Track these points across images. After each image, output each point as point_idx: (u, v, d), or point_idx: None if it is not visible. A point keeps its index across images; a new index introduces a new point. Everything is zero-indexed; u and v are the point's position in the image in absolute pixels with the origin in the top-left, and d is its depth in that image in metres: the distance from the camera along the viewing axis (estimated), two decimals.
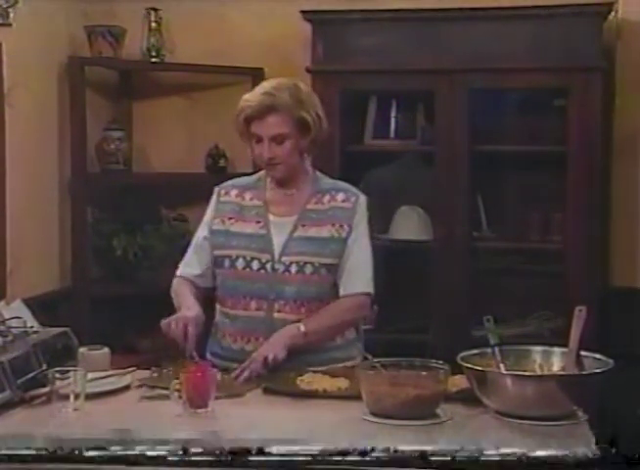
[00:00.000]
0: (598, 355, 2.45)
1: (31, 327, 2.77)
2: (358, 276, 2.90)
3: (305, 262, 2.85)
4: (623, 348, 3.78)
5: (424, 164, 4.42)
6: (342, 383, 2.62)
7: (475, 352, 2.52)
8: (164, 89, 4.73)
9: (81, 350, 2.79)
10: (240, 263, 2.88)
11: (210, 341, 2.99)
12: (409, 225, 4.38)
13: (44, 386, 2.49)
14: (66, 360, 2.67)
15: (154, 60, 4.51)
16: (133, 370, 2.77)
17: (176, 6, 4.56)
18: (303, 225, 2.89)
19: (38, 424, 2.36)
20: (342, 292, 2.90)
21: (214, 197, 3.01)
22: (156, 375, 2.73)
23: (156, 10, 4.51)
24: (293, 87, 2.86)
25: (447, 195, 4.20)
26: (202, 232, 2.99)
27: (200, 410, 2.41)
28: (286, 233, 2.88)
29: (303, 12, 4.21)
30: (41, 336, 2.72)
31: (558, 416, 2.32)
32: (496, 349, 2.50)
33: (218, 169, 4.57)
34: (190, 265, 3.00)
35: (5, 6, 3.72)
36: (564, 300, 3.92)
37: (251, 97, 2.85)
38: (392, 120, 4.42)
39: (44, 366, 2.57)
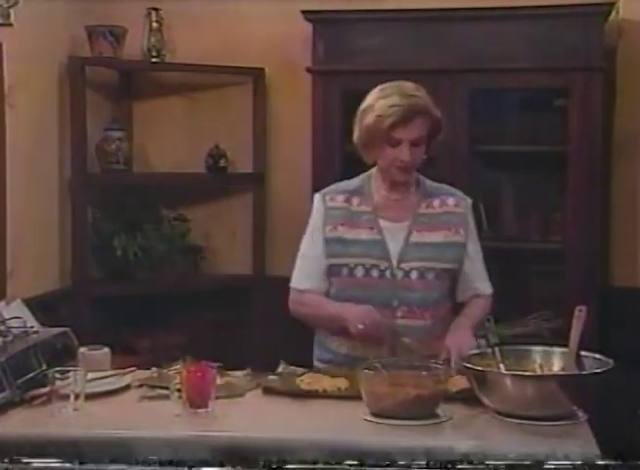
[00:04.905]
0: (598, 355, 2.45)
1: (31, 327, 2.76)
2: (483, 278, 2.93)
3: (427, 268, 2.81)
4: (623, 348, 3.78)
5: (424, 163, 4.40)
6: (342, 383, 2.61)
7: (475, 352, 2.53)
8: (164, 89, 4.73)
9: (81, 350, 2.80)
10: (359, 271, 2.81)
11: (320, 349, 2.92)
12: None
13: (44, 386, 2.48)
14: (66, 360, 2.68)
15: (154, 60, 4.51)
16: (133, 370, 2.77)
17: (177, 6, 4.56)
18: (418, 231, 2.84)
19: (38, 424, 2.37)
20: (468, 294, 2.91)
21: (319, 203, 2.90)
22: (156, 375, 2.72)
23: (157, 10, 4.51)
24: (420, 87, 2.81)
25: None
26: (315, 241, 2.87)
27: (200, 410, 2.41)
28: (401, 239, 2.83)
29: (304, 12, 4.21)
30: (41, 336, 2.72)
31: (558, 416, 2.32)
32: (496, 349, 2.51)
33: (218, 169, 4.56)
34: (313, 278, 2.87)
35: (6, 6, 3.71)
36: (564, 300, 3.92)
37: (396, 101, 2.75)
38: None
39: (44, 366, 2.57)
